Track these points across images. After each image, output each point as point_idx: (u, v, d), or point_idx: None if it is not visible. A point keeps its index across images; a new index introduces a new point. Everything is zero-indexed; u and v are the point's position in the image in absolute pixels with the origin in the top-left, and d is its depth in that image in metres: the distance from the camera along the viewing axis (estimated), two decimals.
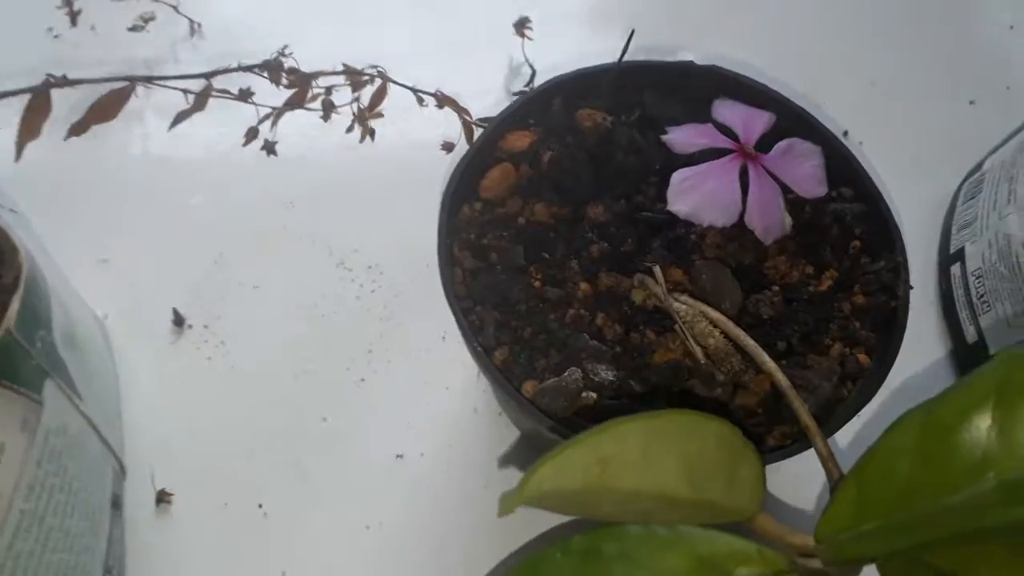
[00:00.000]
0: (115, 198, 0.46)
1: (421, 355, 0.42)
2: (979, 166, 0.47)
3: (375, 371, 0.42)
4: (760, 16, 0.55)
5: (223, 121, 0.38)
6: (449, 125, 0.38)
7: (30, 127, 0.28)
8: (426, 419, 0.40)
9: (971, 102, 0.53)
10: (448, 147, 0.39)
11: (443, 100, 0.35)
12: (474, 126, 0.36)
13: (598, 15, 0.54)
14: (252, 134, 0.32)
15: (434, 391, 0.41)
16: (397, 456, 0.40)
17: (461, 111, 0.36)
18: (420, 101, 0.35)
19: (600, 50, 0.36)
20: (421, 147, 0.43)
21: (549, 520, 0.37)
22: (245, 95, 0.30)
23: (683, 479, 0.23)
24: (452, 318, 0.31)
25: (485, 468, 0.40)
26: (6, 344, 0.26)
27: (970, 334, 0.43)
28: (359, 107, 0.32)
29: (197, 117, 0.33)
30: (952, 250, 0.46)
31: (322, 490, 0.39)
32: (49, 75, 0.29)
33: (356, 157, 0.46)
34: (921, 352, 0.44)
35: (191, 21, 0.49)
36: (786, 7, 0.55)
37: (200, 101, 0.31)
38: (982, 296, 0.42)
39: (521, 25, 0.40)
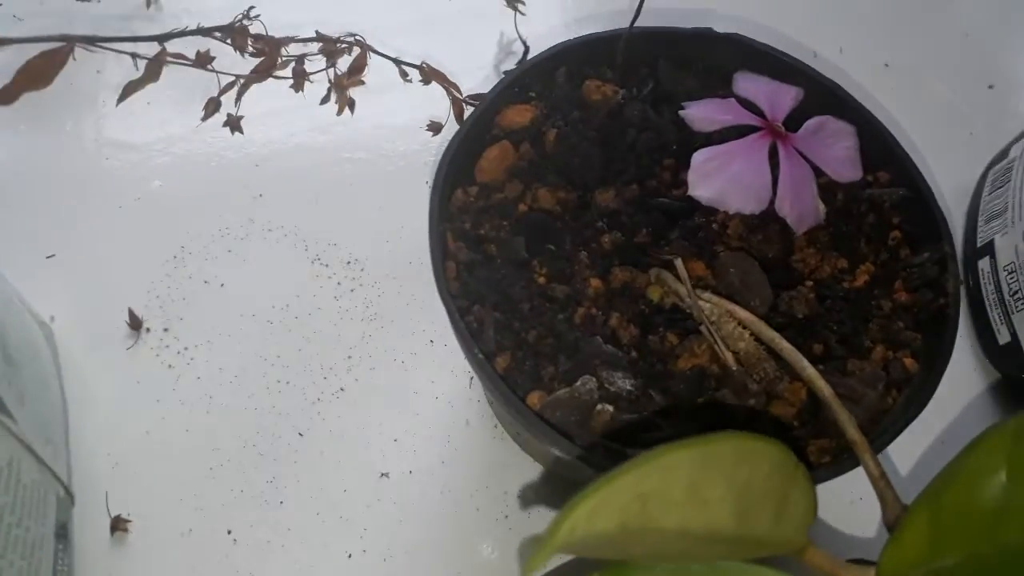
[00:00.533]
0: (62, 186, 0.41)
1: (407, 361, 0.38)
2: (1005, 153, 0.44)
3: (356, 379, 0.38)
4: None
5: (184, 96, 0.34)
6: (435, 104, 0.34)
7: None
8: (414, 433, 0.37)
9: (990, 86, 0.50)
10: (435, 128, 0.35)
11: (429, 74, 0.32)
12: (465, 104, 0.32)
13: None
14: (213, 107, 0.28)
15: (422, 401, 0.37)
16: (382, 475, 0.36)
17: (450, 86, 0.32)
18: (403, 75, 0.31)
19: (607, 15, 0.33)
20: (404, 128, 0.39)
21: None
22: (204, 60, 0.26)
23: (729, 512, 0.19)
24: (441, 319, 0.28)
25: (479, 487, 0.36)
26: None
27: (1002, 335, 0.40)
28: (335, 73, 0.28)
29: (153, 91, 0.29)
30: (980, 243, 0.43)
31: (298, 514, 0.35)
32: None
33: (332, 139, 0.42)
34: None
35: None
36: None
37: (153, 69, 0.26)
38: (1015, 293, 0.39)
39: None
